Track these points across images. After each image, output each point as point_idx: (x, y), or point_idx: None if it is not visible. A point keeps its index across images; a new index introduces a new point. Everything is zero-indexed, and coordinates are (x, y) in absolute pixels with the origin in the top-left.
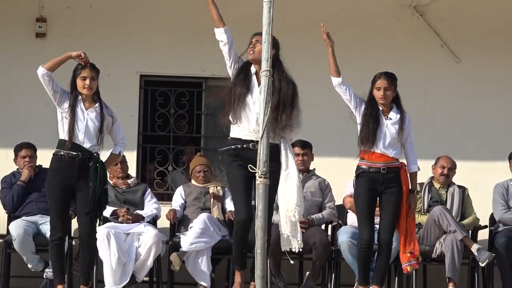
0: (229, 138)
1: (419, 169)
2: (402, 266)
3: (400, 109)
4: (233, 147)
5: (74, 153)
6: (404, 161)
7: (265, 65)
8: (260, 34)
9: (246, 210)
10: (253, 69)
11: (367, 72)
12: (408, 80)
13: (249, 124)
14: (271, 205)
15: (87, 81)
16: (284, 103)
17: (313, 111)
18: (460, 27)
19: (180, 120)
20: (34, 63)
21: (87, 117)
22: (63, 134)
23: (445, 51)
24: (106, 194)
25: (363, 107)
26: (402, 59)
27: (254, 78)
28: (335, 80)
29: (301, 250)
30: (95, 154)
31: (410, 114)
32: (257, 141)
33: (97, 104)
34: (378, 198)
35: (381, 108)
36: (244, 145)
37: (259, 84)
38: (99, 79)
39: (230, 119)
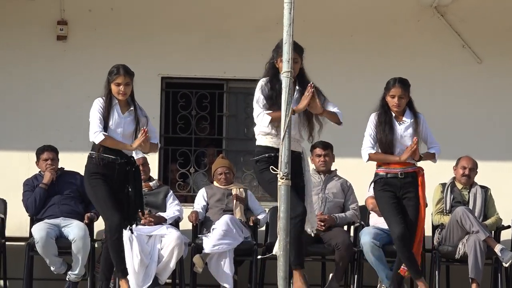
0: (257, 146)
1: (435, 160)
2: (402, 267)
3: (413, 111)
4: (266, 155)
5: (113, 157)
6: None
7: (286, 67)
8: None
9: (301, 203)
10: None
11: (388, 73)
12: (429, 80)
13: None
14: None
15: (122, 88)
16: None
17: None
18: (481, 27)
19: (202, 122)
20: (55, 66)
21: (124, 121)
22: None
23: (466, 51)
24: (142, 198)
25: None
26: (423, 59)
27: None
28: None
29: (314, 233)
30: (131, 158)
31: (431, 114)
32: (293, 151)
33: (131, 107)
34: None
35: (393, 114)
36: (278, 154)
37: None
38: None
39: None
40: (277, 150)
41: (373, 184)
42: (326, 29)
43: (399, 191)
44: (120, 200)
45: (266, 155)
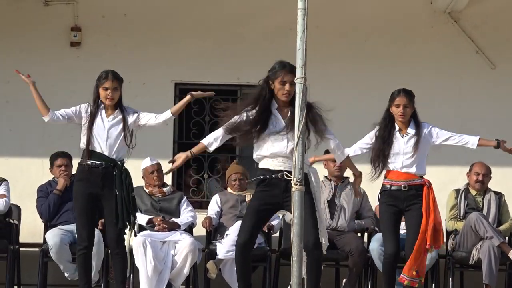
0: (257, 168)
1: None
2: (401, 275)
3: (416, 123)
4: (261, 177)
5: (97, 162)
6: (427, 178)
7: (299, 73)
8: (290, 71)
9: (245, 234)
10: (274, 104)
11: (401, 79)
12: (442, 86)
13: (275, 155)
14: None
15: (109, 92)
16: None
17: (345, 118)
18: (495, 33)
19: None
20: (69, 72)
21: (109, 124)
22: (84, 144)
23: (480, 57)
24: (134, 202)
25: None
26: (436, 65)
27: (276, 113)
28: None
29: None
30: (119, 163)
31: (444, 120)
32: (286, 171)
33: (117, 110)
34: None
35: (397, 127)
36: (273, 175)
37: (282, 116)
38: (133, 88)
39: (255, 156)
40: (273, 171)
41: (378, 197)
42: (340, 35)
43: (403, 203)
44: (94, 217)
45: (261, 177)
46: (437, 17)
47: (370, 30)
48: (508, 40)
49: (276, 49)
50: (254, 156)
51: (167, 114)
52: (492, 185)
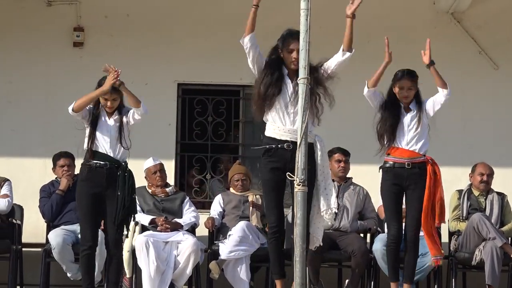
0: (263, 136)
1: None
2: (433, 258)
3: (419, 101)
4: (267, 146)
5: (102, 162)
6: (430, 155)
7: (302, 73)
8: (298, 38)
9: (277, 216)
10: (285, 70)
11: None
12: None
13: (284, 124)
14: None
15: (108, 103)
16: (317, 91)
17: (350, 119)
18: (498, 34)
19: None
20: (72, 72)
21: (111, 125)
22: (87, 145)
23: (483, 57)
24: (134, 203)
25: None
26: (439, 66)
27: (286, 78)
28: (370, 91)
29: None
30: (123, 163)
31: (447, 120)
32: (292, 141)
33: (116, 111)
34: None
35: (402, 105)
36: (279, 145)
37: (292, 83)
38: (136, 88)
39: (264, 119)
40: (279, 141)
41: (381, 170)
42: (342, 35)
43: (405, 181)
44: (104, 209)
45: (267, 146)
46: (440, 18)
47: (372, 30)
48: (511, 40)
49: None
50: (264, 118)
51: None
52: (494, 186)
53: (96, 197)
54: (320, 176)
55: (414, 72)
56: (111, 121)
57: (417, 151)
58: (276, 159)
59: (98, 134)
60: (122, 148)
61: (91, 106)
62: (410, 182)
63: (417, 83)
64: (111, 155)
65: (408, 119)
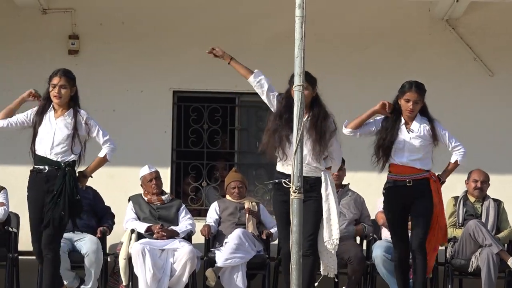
0: (275, 171)
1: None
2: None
3: (427, 116)
4: (276, 181)
5: (41, 166)
6: (433, 171)
7: (297, 80)
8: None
9: (287, 242)
10: None
11: (399, 86)
12: (440, 93)
13: (288, 160)
14: (315, 233)
15: (56, 89)
16: (321, 137)
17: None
18: (493, 40)
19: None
20: None
21: (56, 126)
22: (29, 148)
23: (478, 64)
24: (78, 205)
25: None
26: (434, 72)
27: None
28: (353, 131)
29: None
30: (62, 165)
31: (443, 127)
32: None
33: (67, 111)
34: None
35: (403, 120)
36: (288, 180)
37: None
38: (131, 96)
39: (277, 155)
40: (288, 176)
41: (383, 192)
42: (337, 43)
43: (408, 199)
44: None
45: (277, 180)
46: (435, 25)
47: (367, 37)
48: (506, 47)
49: (275, 57)
50: (276, 153)
51: (102, 154)
52: (490, 192)
53: (40, 202)
54: (325, 206)
55: (423, 85)
56: (57, 121)
57: (418, 167)
58: (285, 192)
59: (39, 136)
60: (68, 149)
61: (33, 111)
62: (413, 198)
63: (424, 97)
64: (50, 157)
65: (408, 138)
